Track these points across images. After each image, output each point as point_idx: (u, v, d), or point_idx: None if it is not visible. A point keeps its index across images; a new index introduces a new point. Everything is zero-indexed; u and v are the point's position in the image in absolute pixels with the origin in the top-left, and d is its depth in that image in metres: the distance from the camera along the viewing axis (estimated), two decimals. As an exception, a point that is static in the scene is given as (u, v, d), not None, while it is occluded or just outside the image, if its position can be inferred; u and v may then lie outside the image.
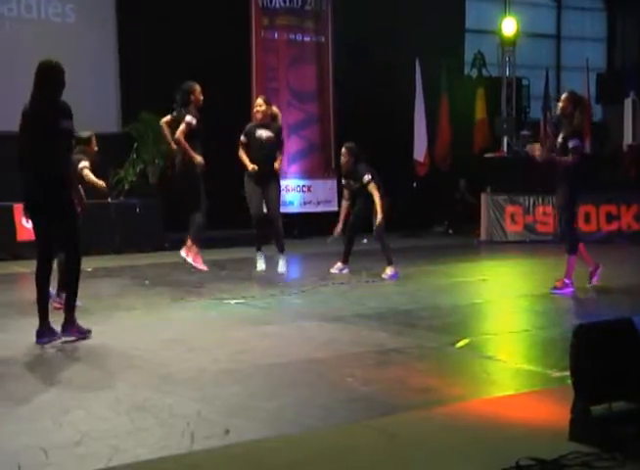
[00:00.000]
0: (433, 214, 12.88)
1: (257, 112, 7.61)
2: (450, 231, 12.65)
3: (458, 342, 4.92)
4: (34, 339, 4.95)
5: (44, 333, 4.91)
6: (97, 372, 4.34)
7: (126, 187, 10.20)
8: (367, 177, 7.73)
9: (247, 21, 11.39)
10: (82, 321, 5.25)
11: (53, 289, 5.83)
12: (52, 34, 10.36)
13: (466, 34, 14.57)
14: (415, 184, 12.46)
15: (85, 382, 4.14)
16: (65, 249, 5.08)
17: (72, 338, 5.00)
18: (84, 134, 6.31)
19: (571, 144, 6.55)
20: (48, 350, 4.85)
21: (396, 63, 12.18)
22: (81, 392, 3.97)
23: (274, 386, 4.06)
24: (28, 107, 4.89)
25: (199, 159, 6.93)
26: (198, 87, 7.14)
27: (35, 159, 4.86)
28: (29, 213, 5.00)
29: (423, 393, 3.91)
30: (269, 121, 7.61)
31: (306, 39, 11.95)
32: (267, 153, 7.53)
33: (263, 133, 7.55)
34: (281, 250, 7.62)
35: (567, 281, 6.68)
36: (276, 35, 11.69)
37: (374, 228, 7.66)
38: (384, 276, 7.57)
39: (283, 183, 11.49)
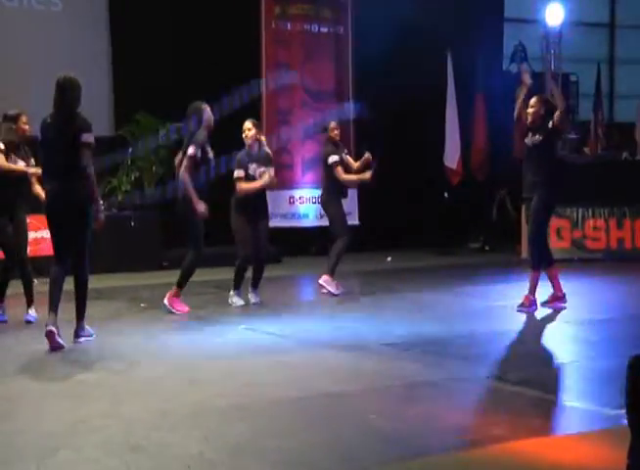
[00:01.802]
0: (467, 229, 12.87)
1: (246, 136, 7.51)
2: (487, 248, 12.63)
3: (495, 375, 4.91)
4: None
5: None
6: (88, 407, 4.37)
7: (120, 198, 10.29)
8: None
9: (256, 9, 11.49)
10: (70, 349, 5.30)
11: (32, 312, 6.48)
12: (36, 25, 10.49)
13: (505, 24, 14.60)
14: (446, 194, 12.47)
15: (75, 418, 4.18)
16: (76, 260, 5.88)
17: (82, 340, 5.90)
18: (11, 112, 6.75)
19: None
20: (33, 383, 4.89)
21: (425, 57, 12.21)
22: (70, 429, 4.00)
23: (287, 424, 4.07)
24: (49, 120, 5.82)
25: (201, 208, 6.98)
26: (206, 107, 7.19)
27: (57, 172, 5.76)
28: (50, 224, 5.89)
29: (458, 432, 3.90)
30: (257, 149, 7.55)
31: (323, 30, 12.05)
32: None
33: (257, 169, 7.51)
34: (256, 286, 7.61)
35: (531, 297, 7.01)
36: (289, 26, 11.79)
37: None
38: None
39: (297, 193, 11.56)
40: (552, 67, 12.91)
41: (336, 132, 8.30)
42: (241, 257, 7.42)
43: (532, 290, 7.10)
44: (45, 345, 5.74)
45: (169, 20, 10.97)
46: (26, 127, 6.80)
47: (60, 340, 5.69)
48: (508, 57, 14.49)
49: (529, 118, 7.10)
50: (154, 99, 10.60)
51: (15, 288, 7.24)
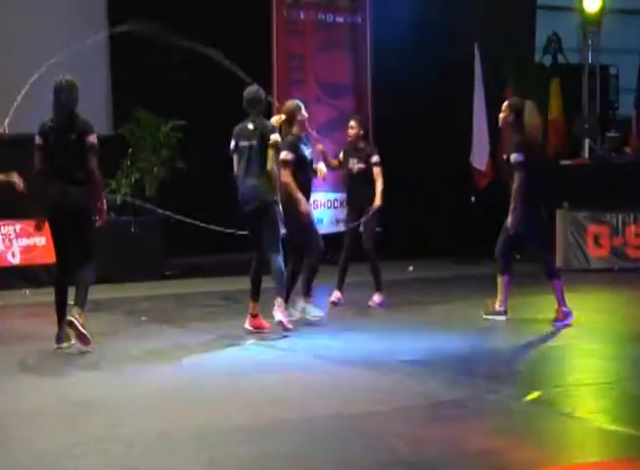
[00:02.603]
0: (496, 236, 12.82)
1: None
2: (517, 256, 12.47)
3: (526, 394, 4.90)
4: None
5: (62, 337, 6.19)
6: (83, 428, 4.40)
7: (119, 201, 10.33)
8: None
9: (266, -3, 11.55)
10: (65, 366, 5.34)
11: None
12: (27, 15, 10.57)
13: (537, 12, 14.58)
14: (473, 198, 12.46)
15: (69, 440, 4.21)
16: (80, 262, 6.25)
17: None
18: None
19: (512, 159, 7.01)
20: (25, 402, 4.94)
21: (450, 48, 12.22)
22: (65, 452, 4.02)
23: (297, 446, 4.08)
24: (49, 124, 6.20)
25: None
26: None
27: (59, 175, 6.13)
28: (52, 228, 6.24)
29: (484, 457, 3.91)
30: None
31: (339, 20, 12.10)
32: None
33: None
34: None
35: (497, 307, 7.23)
36: (302, 15, 11.85)
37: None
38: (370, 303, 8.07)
39: (312, 197, 11.57)
40: (589, 59, 12.89)
41: (349, 132, 8.39)
42: (316, 255, 7.28)
43: (561, 301, 7.14)
44: (38, 362, 5.80)
45: (171, 10, 11.02)
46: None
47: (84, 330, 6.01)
48: (541, 48, 14.50)
49: (500, 123, 7.32)
50: (156, 95, 10.68)
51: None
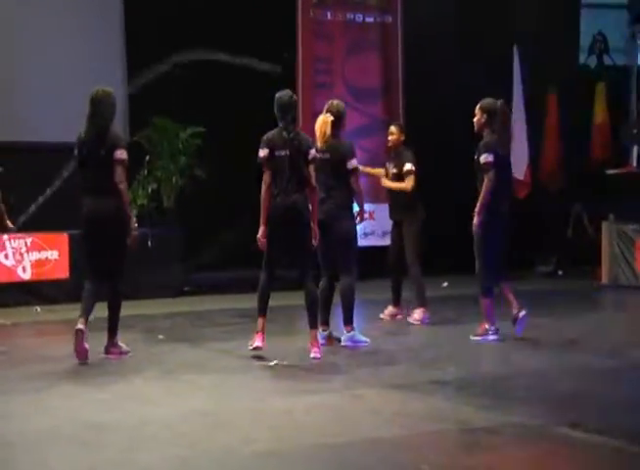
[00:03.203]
0: (536, 250, 12.81)
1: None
2: (560, 272, 12.54)
3: (566, 420, 4.89)
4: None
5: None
6: (97, 453, 4.45)
7: (135, 213, 10.42)
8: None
9: (291, -4, 11.63)
10: (79, 387, 5.39)
11: None
12: (38, 9, 10.67)
13: (582, 10, 14.54)
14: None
15: (83, 466, 4.25)
16: (110, 277, 6.67)
17: (113, 357, 6.64)
18: None
19: (482, 159, 7.23)
20: (37, 424, 5.00)
21: (487, 49, 12.23)
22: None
23: (324, 473, 4.12)
24: (82, 136, 6.62)
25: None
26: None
27: (91, 189, 6.58)
28: (84, 241, 6.77)
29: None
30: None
31: (369, 20, 12.16)
32: None
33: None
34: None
35: (487, 327, 7.34)
36: (329, 15, 11.92)
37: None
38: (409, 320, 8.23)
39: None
40: (638, 60, 12.84)
41: (389, 137, 8.59)
42: (354, 278, 7.27)
43: (489, 319, 7.34)
44: (49, 382, 5.88)
45: (191, 11, 11.12)
46: None
47: (85, 344, 6.36)
48: (585, 49, 14.44)
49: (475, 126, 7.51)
50: (174, 100, 10.79)
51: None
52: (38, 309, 9.49)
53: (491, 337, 7.34)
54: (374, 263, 11.63)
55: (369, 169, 8.96)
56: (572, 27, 14.00)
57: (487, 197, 7.23)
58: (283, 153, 6.62)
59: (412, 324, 8.21)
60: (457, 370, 6.21)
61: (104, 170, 6.55)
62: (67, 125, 10.06)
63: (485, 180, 7.24)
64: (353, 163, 7.17)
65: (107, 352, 6.74)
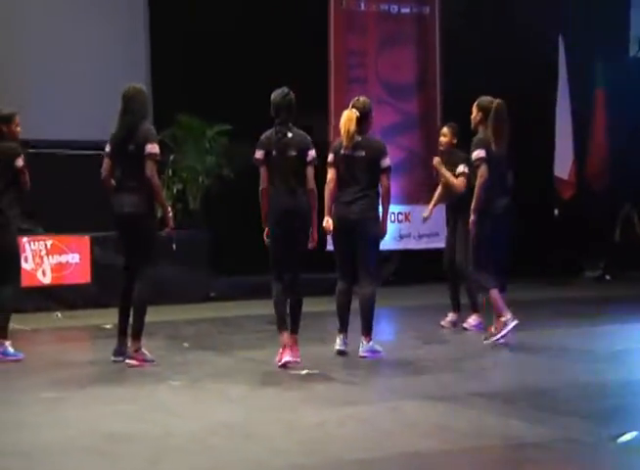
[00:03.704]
0: (583, 254, 12.71)
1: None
2: (608, 277, 12.45)
3: (621, 435, 4.81)
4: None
5: (120, 351, 6.81)
6: (119, 466, 4.43)
7: (159, 215, 10.44)
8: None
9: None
10: (100, 396, 5.40)
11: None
12: (61, 9, 10.84)
13: (632, 0, 14.42)
14: (557, 211, 12.35)
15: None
16: (137, 273, 6.80)
17: (136, 363, 6.63)
18: (5, 111, 7.12)
19: (474, 155, 7.49)
20: (56, 435, 5.01)
21: (530, 42, 12.16)
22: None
23: (361, 490, 4.09)
24: (114, 131, 6.78)
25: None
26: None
27: (120, 184, 6.76)
28: (118, 238, 7.04)
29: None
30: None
31: (404, 11, 12.12)
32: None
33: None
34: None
35: (503, 319, 7.39)
36: (363, 6, 11.90)
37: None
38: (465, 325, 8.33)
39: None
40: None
41: (440, 139, 8.61)
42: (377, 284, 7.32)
43: (500, 312, 7.41)
44: (69, 391, 5.89)
45: (223, 6, 11.13)
46: (18, 130, 7.14)
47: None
48: (636, 40, 14.32)
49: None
50: (200, 97, 10.81)
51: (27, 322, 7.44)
52: (59, 315, 9.54)
53: (511, 325, 7.34)
54: (409, 267, 11.63)
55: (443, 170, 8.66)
56: (621, 18, 13.89)
57: (481, 193, 7.42)
58: (275, 154, 6.73)
59: (467, 329, 8.25)
60: (501, 381, 6.16)
61: (134, 167, 6.69)
62: (88, 123, 10.28)
63: (479, 176, 7.44)
64: (387, 161, 7.13)
65: (130, 357, 6.74)
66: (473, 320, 8.32)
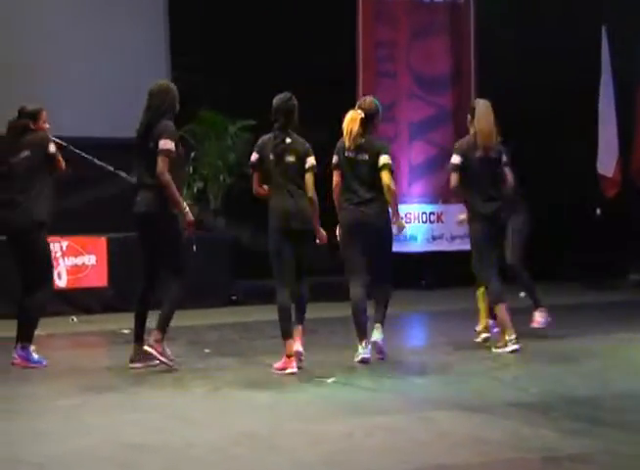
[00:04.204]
0: (627, 255, 12.63)
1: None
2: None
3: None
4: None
5: (139, 358, 6.83)
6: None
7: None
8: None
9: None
10: (117, 405, 5.45)
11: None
12: (84, 9, 10.98)
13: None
14: (599, 211, 12.28)
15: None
16: (167, 278, 6.91)
17: (153, 352, 6.67)
18: (30, 107, 7.21)
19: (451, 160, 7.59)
20: (72, 444, 5.04)
21: (571, 33, 12.09)
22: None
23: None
24: (137, 127, 6.91)
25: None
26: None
27: (138, 181, 6.92)
28: (138, 239, 7.04)
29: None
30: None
31: (438, 0, 12.09)
32: None
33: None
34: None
35: (507, 337, 7.41)
36: (393, -5, 11.89)
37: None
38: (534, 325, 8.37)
39: (401, 210, 11.65)
40: None
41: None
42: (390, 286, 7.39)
43: (505, 326, 7.49)
44: (86, 399, 5.93)
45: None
46: (46, 126, 7.23)
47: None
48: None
49: None
50: (222, 93, 10.84)
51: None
52: (74, 319, 9.61)
53: (511, 348, 7.37)
54: (442, 270, 11.61)
55: None
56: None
57: (458, 199, 7.69)
58: (272, 158, 6.83)
59: (537, 328, 8.34)
60: (538, 391, 6.13)
61: (150, 164, 6.74)
62: (108, 121, 10.36)
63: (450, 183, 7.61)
64: (383, 159, 7.06)
65: (149, 344, 6.73)
66: (538, 317, 8.38)
